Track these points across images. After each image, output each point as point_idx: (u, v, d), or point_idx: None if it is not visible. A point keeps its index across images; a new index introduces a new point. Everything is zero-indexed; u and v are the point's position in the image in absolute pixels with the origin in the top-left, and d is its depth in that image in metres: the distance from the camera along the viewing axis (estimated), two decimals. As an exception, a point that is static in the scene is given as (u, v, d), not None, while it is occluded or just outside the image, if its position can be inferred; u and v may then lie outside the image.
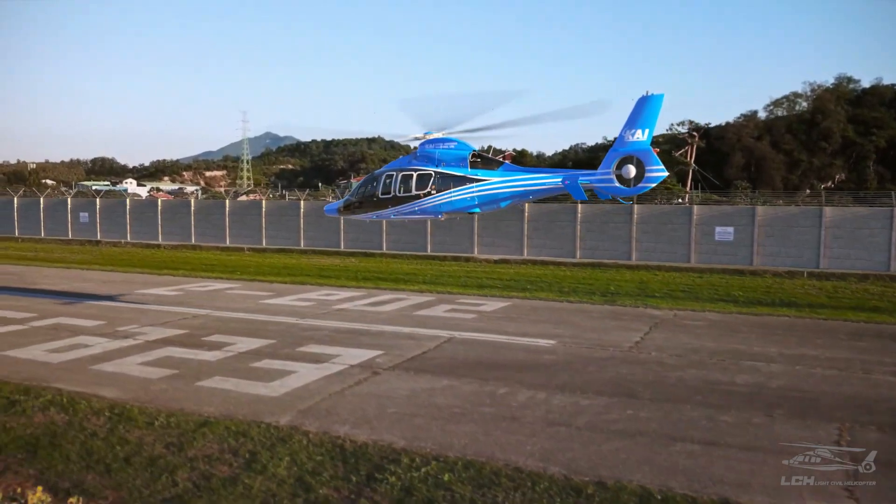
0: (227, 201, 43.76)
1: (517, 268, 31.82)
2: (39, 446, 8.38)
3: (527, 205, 36.45)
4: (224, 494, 7.13)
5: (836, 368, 12.40)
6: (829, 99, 74.13)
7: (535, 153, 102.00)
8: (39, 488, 7.11)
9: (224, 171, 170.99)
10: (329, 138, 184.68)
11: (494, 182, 13.94)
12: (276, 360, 12.53)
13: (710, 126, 71.58)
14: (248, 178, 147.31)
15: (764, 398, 10.44)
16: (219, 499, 7.05)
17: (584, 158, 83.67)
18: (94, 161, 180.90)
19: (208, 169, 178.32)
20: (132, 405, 9.81)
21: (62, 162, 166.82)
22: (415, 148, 15.07)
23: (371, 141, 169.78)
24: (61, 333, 14.72)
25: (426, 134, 14.79)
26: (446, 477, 7.44)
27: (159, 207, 45.21)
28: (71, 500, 6.98)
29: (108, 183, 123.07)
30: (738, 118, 76.65)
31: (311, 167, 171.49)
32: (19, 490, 7.20)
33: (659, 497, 6.97)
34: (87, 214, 46.63)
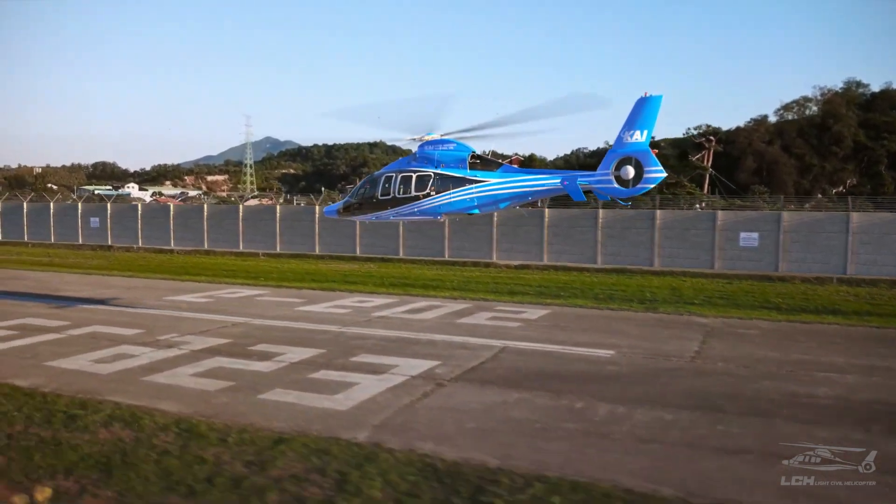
0: (241, 206, 43.39)
1: (541, 273, 31.44)
2: (112, 465, 7.94)
3: (546, 210, 36.18)
4: (325, 519, 6.72)
5: (914, 380, 12.01)
6: (840, 103, 73.90)
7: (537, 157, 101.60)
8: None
9: (226, 176, 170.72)
10: (331, 143, 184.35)
11: (493, 183, 13.93)
12: (332, 371, 12.11)
13: (720, 130, 71.25)
14: (252, 183, 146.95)
15: (855, 412, 10.04)
16: (321, 524, 6.64)
17: (586, 163, 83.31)
18: (94, 165, 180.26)
19: (210, 173, 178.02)
20: (197, 420, 9.38)
21: (63, 166, 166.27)
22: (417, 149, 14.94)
23: (373, 145, 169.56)
24: (101, 342, 14.29)
25: (426, 135, 14.64)
26: (556, 500, 7.02)
27: (171, 212, 44.85)
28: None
29: (110, 187, 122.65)
30: (748, 122, 76.39)
31: (312, 172, 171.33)
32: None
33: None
34: (97, 219, 46.25)
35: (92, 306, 19.24)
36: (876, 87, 79.36)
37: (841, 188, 69.66)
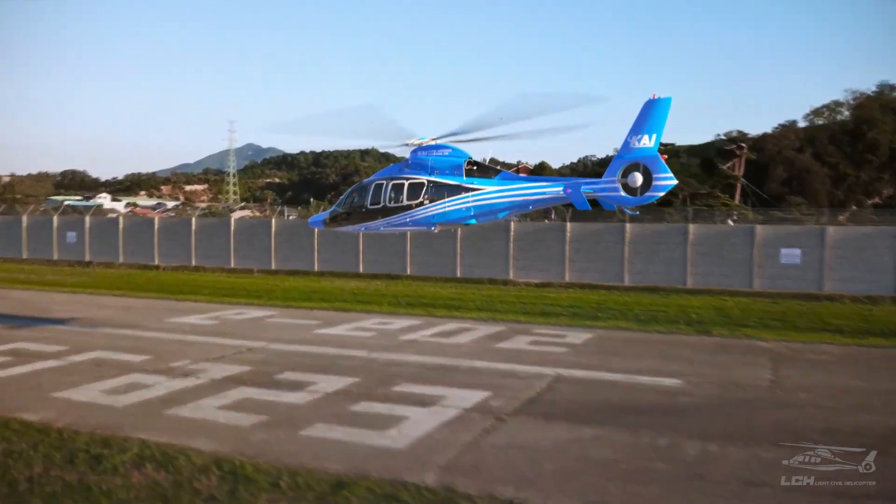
0: (232, 220, 43.00)
1: (566, 292, 31.14)
2: (156, 515, 7.55)
3: (568, 224, 35.89)
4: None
5: None
6: (873, 107, 74.01)
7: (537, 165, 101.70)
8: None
9: (206, 185, 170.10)
10: (319, 150, 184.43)
11: (491, 191, 13.71)
12: (375, 403, 11.73)
13: (747, 136, 71.25)
14: (236, 193, 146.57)
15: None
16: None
17: (594, 171, 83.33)
18: (63, 174, 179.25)
19: (188, 182, 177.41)
20: (239, 460, 8.98)
21: (28, 175, 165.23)
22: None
23: (364, 153, 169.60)
24: (109, 370, 13.87)
25: (419, 140, 14.45)
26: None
27: (156, 226, 44.38)
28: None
29: (81, 197, 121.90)
30: (776, 128, 76.40)
31: (299, 181, 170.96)
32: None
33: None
34: (74, 234, 45.70)
35: (88, 329, 18.83)
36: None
37: (877, 199, 69.61)
